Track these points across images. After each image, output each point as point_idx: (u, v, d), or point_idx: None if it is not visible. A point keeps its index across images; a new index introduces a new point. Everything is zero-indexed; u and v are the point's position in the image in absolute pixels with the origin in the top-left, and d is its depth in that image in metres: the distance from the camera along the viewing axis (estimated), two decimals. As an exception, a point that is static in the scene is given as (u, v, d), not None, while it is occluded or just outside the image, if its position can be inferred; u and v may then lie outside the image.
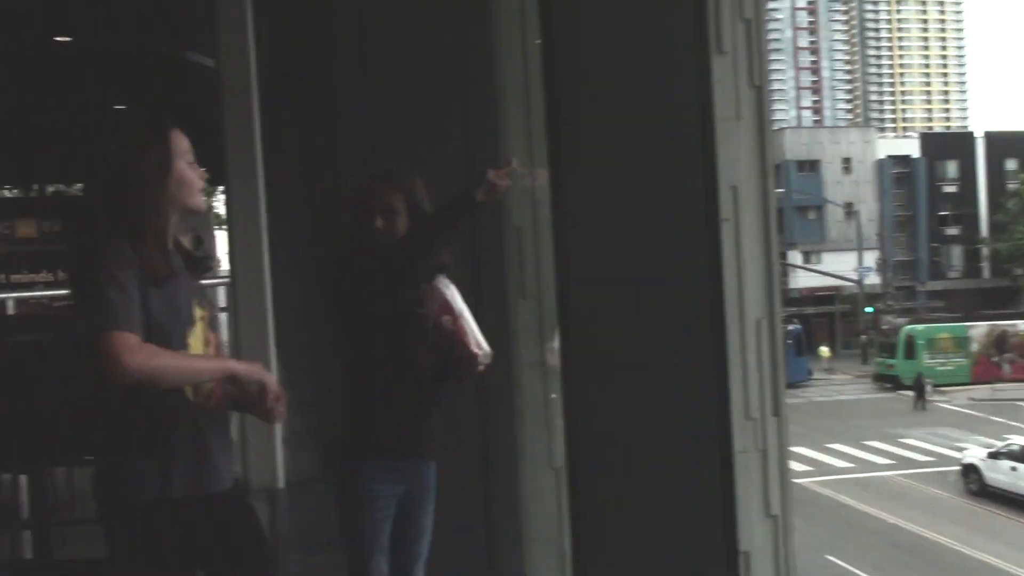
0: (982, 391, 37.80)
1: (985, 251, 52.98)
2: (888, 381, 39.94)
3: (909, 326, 42.15)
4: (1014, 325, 43.49)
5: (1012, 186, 51.58)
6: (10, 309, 7.85)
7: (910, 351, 40.68)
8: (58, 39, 11.74)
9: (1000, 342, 42.95)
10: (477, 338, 2.78)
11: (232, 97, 6.48)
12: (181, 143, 2.37)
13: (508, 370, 3.62)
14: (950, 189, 53.66)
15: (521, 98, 3.70)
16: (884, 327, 42.91)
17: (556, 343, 3.58)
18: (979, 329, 43.06)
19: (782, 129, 59.50)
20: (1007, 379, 40.30)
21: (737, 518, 1.73)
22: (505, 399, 3.65)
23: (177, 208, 2.35)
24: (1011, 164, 53.09)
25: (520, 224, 3.68)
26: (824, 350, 45.51)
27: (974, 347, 42.58)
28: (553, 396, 3.58)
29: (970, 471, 24.97)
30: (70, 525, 5.03)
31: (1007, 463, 24.02)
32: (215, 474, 2.27)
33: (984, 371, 41.68)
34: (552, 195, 1.92)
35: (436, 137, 3.52)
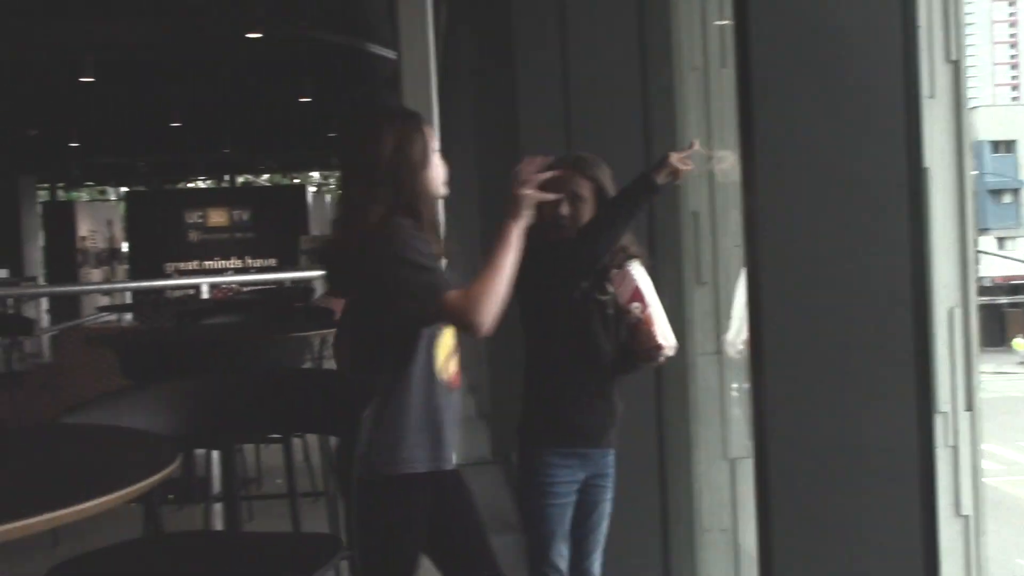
0: None
1: None
2: None
3: None
4: None
5: None
6: (204, 293, 8.30)
7: None
8: (249, 35, 12.34)
9: None
10: (664, 329, 2.74)
11: (411, 88, 6.66)
12: (432, 135, 2.50)
13: (683, 359, 3.57)
14: None
15: (700, 80, 3.63)
16: None
17: (731, 334, 3.50)
18: None
19: (976, 107, 56.23)
20: None
21: (939, 520, 1.66)
22: (680, 388, 3.60)
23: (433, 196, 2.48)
24: None
25: (697, 209, 3.62)
26: (1020, 342, 42.90)
27: None
28: (734, 386, 3.50)
29: None
30: (258, 499, 5.32)
31: None
32: (451, 451, 2.46)
33: None
34: (743, 179, 1.85)
35: (614, 123, 3.50)
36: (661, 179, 2.59)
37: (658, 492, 3.44)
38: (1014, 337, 45.45)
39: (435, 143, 2.50)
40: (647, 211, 3.41)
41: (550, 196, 2.46)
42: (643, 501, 3.38)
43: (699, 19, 3.68)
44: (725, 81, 3.63)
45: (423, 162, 2.43)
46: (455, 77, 7.82)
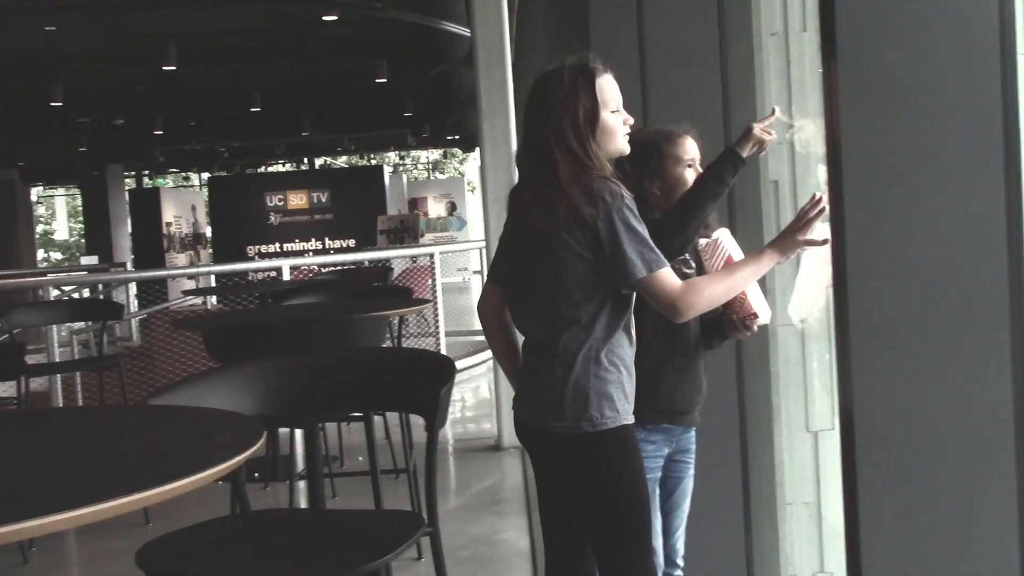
0: None
1: None
2: None
3: None
4: None
5: None
6: (286, 275, 8.46)
7: None
8: (325, 18, 12.47)
9: None
10: (758, 297, 2.70)
11: (486, 65, 6.65)
12: (608, 88, 2.45)
13: (765, 331, 3.51)
14: None
15: (780, 45, 3.55)
16: None
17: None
18: None
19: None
20: None
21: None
22: (762, 360, 3.55)
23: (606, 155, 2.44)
24: None
25: (778, 178, 3.55)
26: None
27: None
28: (824, 357, 3.44)
29: None
30: (340, 477, 5.43)
31: None
32: None
33: None
34: (827, 146, 1.80)
35: (693, 95, 3.44)
36: (746, 152, 2.55)
37: (740, 466, 3.40)
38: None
39: (614, 96, 2.45)
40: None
41: (818, 242, 2.42)
42: (724, 475, 3.34)
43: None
44: (806, 46, 3.54)
45: (591, 122, 2.39)
46: (530, 53, 7.79)
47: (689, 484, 2.85)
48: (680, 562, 2.86)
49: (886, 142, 1.70)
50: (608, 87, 2.45)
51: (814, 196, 2.43)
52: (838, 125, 1.68)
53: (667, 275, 2.31)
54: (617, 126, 2.44)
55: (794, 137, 3.49)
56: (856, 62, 1.72)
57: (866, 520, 1.64)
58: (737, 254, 2.70)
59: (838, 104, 1.69)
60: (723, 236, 2.73)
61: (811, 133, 3.24)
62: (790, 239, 2.42)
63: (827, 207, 2.21)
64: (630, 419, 2.40)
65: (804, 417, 3.52)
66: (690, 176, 2.74)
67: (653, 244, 2.32)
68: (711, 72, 3.42)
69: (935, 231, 1.69)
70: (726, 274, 2.44)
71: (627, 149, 2.48)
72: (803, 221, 2.40)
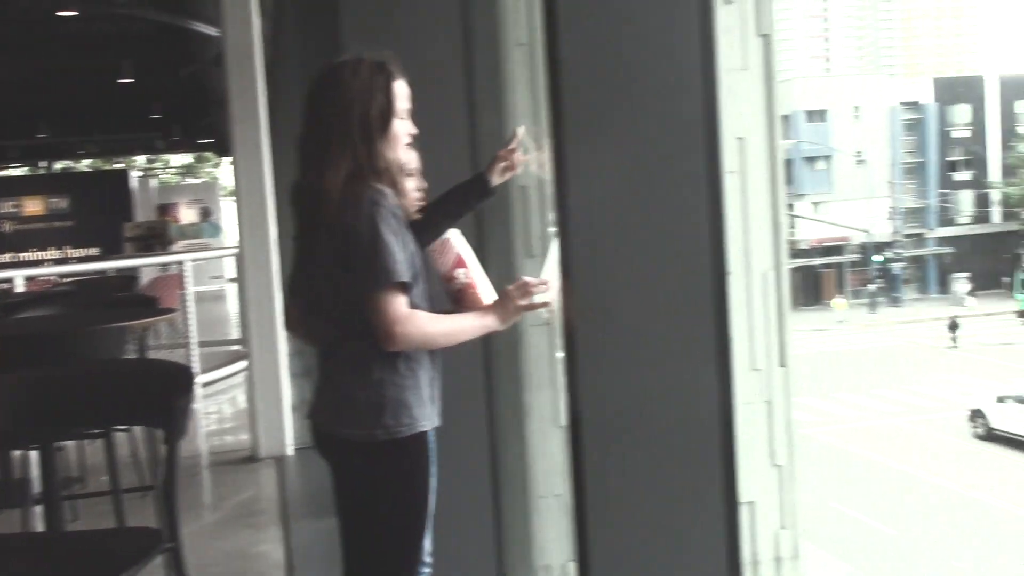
0: (989, 336, 37.83)
1: (995, 196, 52.58)
2: None
3: None
4: None
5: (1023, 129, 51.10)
6: (18, 287, 7.89)
7: None
8: (61, 13, 11.71)
9: None
10: (489, 292, 2.78)
11: (237, 67, 6.48)
12: (401, 96, 2.41)
13: (513, 329, 3.63)
14: (961, 134, 53.16)
15: (526, 55, 3.68)
16: None
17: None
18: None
19: (791, 79, 58.94)
20: None
21: (738, 469, 1.76)
22: (511, 357, 3.67)
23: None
24: (1022, 106, 52.53)
25: (526, 183, 3.67)
26: (840, 302, 45.53)
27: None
28: (558, 355, 3.59)
29: (977, 415, 25.15)
30: (83, 498, 5.13)
31: (1016, 406, 24.18)
32: None
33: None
34: (553, 152, 1.92)
35: (440, 100, 3.49)
36: (496, 179, 2.61)
37: (488, 461, 3.50)
38: (830, 296, 48.26)
39: (404, 104, 2.41)
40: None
41: (538, 305, 2.44)
42: (473, 471, 3.43)
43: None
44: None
45: (381, 122, 2.34)
46: (284, 57, 7.65)
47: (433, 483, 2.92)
48: (428, 559, 2.92)
49: (601, 146, 1.84)
50: (402, 93, 2.42)
51: (532, 282, 2.47)
52: (560, 129, 1.79)
53: (394, 297, 2.26)
54: (402, 134, 2.41)
55: (542, 147, 3.65)
56: (575, 75, 1.85)
57: (592, 506, 1.76)
58: (468, 255, 2.76)
59: (560, 113, 1.80)
60: (453, 236, 2.77)
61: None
62: (509, 305, 2.45)
63: (549, 289, 2.35)
64: (426, 425, 2.40)
65: (554, 412, 3.68)
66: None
67: (398, 261, 2.26)
68: (457, 81, 3.50)
69: (648, 232, 1.84)
70: (451, 322, 2.42)
71: (407, 160, 2.45)
72: (523, 290, 2.44)
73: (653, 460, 1.81)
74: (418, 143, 2.66)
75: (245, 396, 8.49)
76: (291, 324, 2.63)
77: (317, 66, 2.56)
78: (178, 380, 2.25)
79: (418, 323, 2.29)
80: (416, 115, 2.49)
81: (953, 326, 37.41)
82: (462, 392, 2.98)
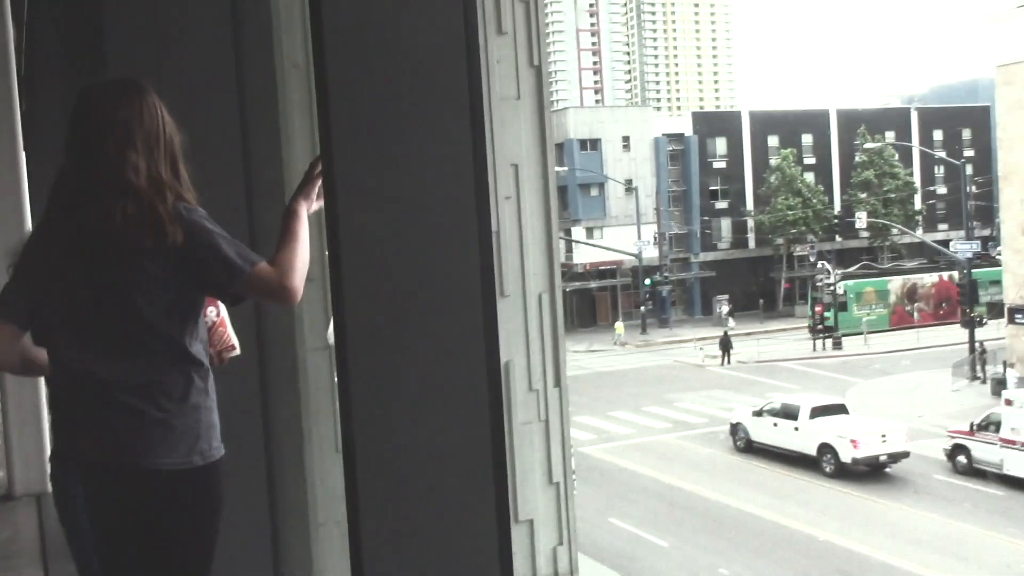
0: (748, 354, 40.50)
1: (750, 223, 56.47)
2: (823, 333, 43.75)
3: (842, 281, 46.51)
4: (921, 278, 49.77)
5: (774, 161, 55.18)
6: None
7: (843, 304, 45.29)
8: None
9: (911, 293, 49.16)
10: (231, 331, 2.76)
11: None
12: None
13: (293, 355, 3.59)
14: (719, 165, 56.78)
15: (303, 77, 3.65)
16: (818, 283, 46.42)
17: (331, 328, 3.58)
18: (895, 282, 48.84)
19: (565, 108, 61.11)
20: (917, 325, 45.97)
21: (516, 487, 1.83)
22: (291, 383, 3.62)
23: None
24: (773, 140, 56.77)
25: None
26: (620, 326, 47.36)
27: (892, 298, 48.23)
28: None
29: (737, 429, 26.82)
30: None
31: (769, 420, 25.95)
32: None
33: (900, 319, 47.55)
34: (324, 179, 1.94)
35: (210, 121, 3.42)
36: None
37: (266, 488, 3.44)
38: (605, 318, 50.28)
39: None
40: (247, 205, 3.39)
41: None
42: (250, 498, 3.35)
43: (299, 15, 3.69)
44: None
45: (178, 147, 2.35)
46: (42, 72, 7.21)
47: None
48: None
49: (371, 178, 1.86)
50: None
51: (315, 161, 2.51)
52: (331, 163, 1.81)
53: (261, 267, 2.26)
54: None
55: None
56: (344, 103, 1.87)
57: (366, 531, 1.77)
58: None
59: (330, 148, 1.82)
60: None
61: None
62: (315, 183, 2.43)
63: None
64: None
65: (334, 438, 3.65)
66: None
67: (242, 244, 2.30)
68: (229, 101, 3.43)
69: (417, 258, 1.88)
70: (289, 240, 2.36)
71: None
72: (314, 172, 2.45)
73: (427, 482, 1.84)
74: (191, 162, 2.60)
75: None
76: (2, 352, 2.48)
77: (83, 84, 2.45)
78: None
79: (282, 265, 2.27)
80: (187, 133, 2.45)
81: (725, 344, 39.74)
82: (239, 418, 2.92)
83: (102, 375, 2.30)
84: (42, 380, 6.08)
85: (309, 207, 2.46)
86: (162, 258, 2.22)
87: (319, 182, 2.43)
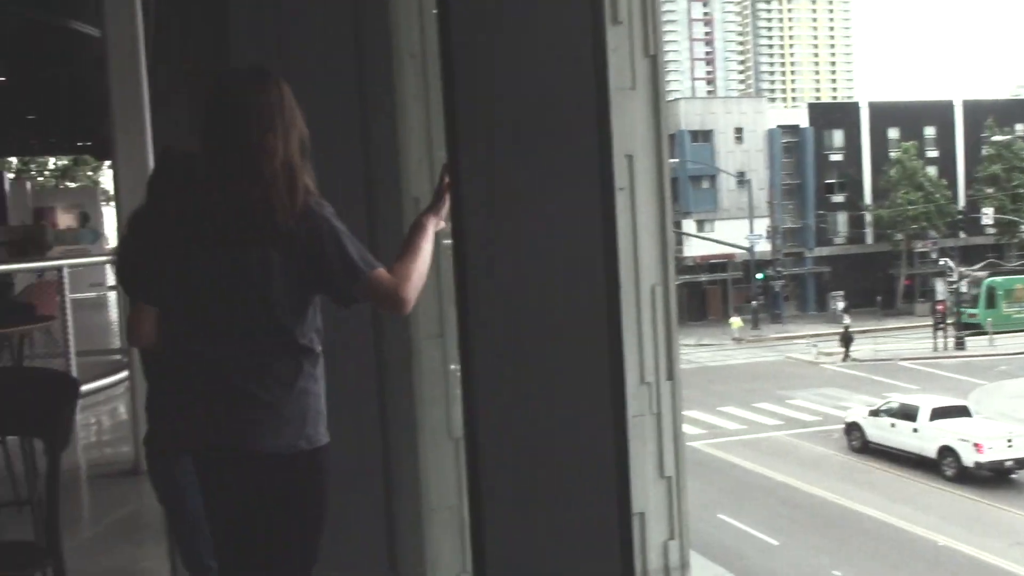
0: (864, 352, 39.36)
1: (868, 217, 54.82)
2: (970, 329, 42.31)
3: (990, 279, 45.46)
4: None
5: (894, 154, 53.42)
6: None
7: (991, 301, 44.46)
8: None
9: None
10: None
11: (119, 68, 6.29)
12: None
13: (407, 342, 3.62)
14: (836, 157, 55.27)
15: (419, 66, 3.68)
16: (966, 279, 45.09)
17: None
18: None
19: (677, 99, 60.35)
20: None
21: (631, 480, 1.80)
22: (404, 371, 3.66)
23: None
24: (893, 133, 54.94)
25: (419, 195, 3.67)
26: (736, 321, 46.47)
27: (1042, 296, 46.48)
28: (452, 368, 3.60)
29: (853, 429, 26.09)
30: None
31: (887, 420, 25.17)
32: None
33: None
34: (449, 168, 1.93)
35: (331, 110, 3.47)
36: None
37: (381, 474, 3.48)
38: (715, 312, 49.55)
39: None
40: (366, 195, 3.44)
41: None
42: (366, 483, 3.40)
43: (416, 7, 3.72)
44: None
45: (307, 140, 2.38)
46: (168, 62, 7.47)
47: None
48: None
49: (498, 166, 1.86)
50: None
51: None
52: (457, 150, 1.81)
53: (380, 273, 2.30)
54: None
55: (433, 157, 3.66)
56: (471, 90, 1.86)
57: (489, 517, 1.77)
58: None
59: (456, 133, 1.82)
60: None
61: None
62: (444, 197, 2.41)
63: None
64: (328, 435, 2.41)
65: (447, 425, 3.68)
66: None
67: (366, 250, 2.32)
68: (349, 90, 3.47)
69: (542, 250, 1.86)
70: (411, 252, 2.39)
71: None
72: (443, 186, 2.42)
73: (548, 472, 1.83)
74: (312, 154, 2.64)
75: (125, 407, 8.24)
76: (141, 335, 2.54)
77: (209, 72, 2.51)
78: (61, 389, 2.17)
79: (401, 275, 2.31)
80: (309, 125, 2.48)
81: (846, 339, 38.79)
82: (355, 404, 2.96)
83: (213, 356, 2.36)
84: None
85: (437, 224, 2.45)
86: (286, 248, 2.26)
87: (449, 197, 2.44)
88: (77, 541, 4.82)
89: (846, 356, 38.49)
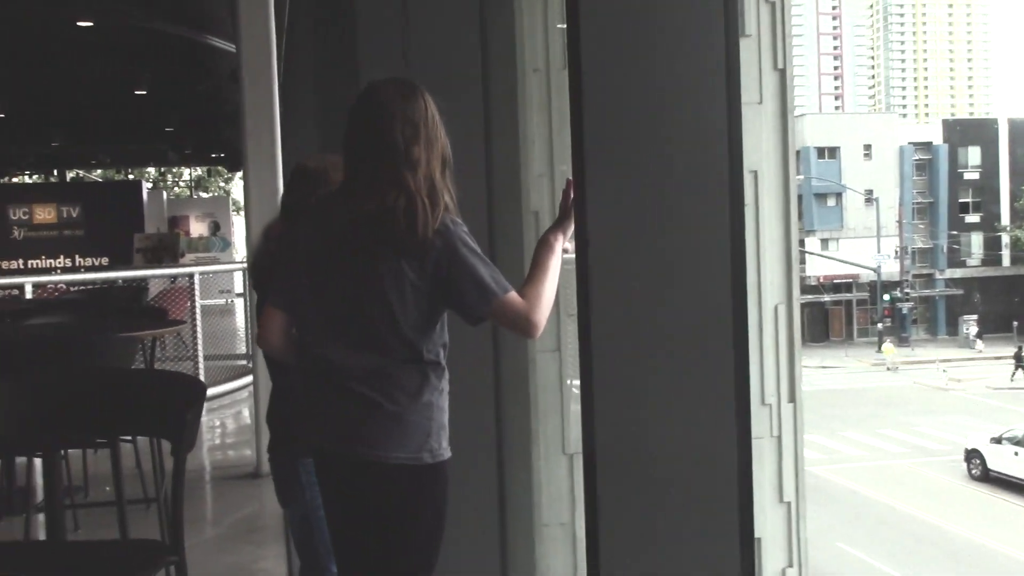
0: (999, 379, 37.67)
1: (1005, 239, 52.51)
2: None
3: None
4: None
5: (1035, 173, 51.13)
6: (28, 293, 7.90)
7: None
8: (81, 23, 11.78)
9: None
10: None
11: (252, 82, 6.50)
12: None
13: (524, 355, 3.61)
14: (971, 176, 53.16)
15: (542, 81, 3.68)
16: None
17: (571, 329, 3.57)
18: None
19: (803, 115, 59.08)
20: None
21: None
22: (520, 385, 3.65)
23: None
24: (1034, 150, 52.61)
25: (538, 208, 3.67)
26: (889, 347, 44.59)
27: None
28: (569, 382, 3.57)
29: (973, 456, 25.08)
30: (85, 507, 5.10)
31: (1010, 448, 24.10)
32: None
33: None
34: (575, 186, 1.90)
35: (456, 124, 3.48)
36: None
37: (497, 488, 3.47)
38: (838, 333, 48.17)
39: None
40: (488, 209, 3.45)
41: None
42: (481, 497, 3.40)
43: (541, 22, 3.73)
44: (565, 82, 3.70)
45: (449, 155, 2.38)
46: (298, 75, 7.68)
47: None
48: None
49: (624, 178, 1.82)
50: None
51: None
52: (583, 160, 1.78)
53: (513, 296, 2.27)
54: None
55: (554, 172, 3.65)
56: (599, 101, 1.84)
57: (605, 537, 1.73)
58: None
59: (583, 144, 1.79)
60: None
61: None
62: (570, 216, 2.38)
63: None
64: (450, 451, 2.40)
65: (561, 440, 3.65)
66: None
67: (498, 272, 2.29)
68: (475, 104, 3.49)
69: (668, 264, 1.82)
70: (540, 274, 2.35)
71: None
72: (569, 204, 2.38)
73: (669, 493, 1.78)
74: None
75: (248, 412, 8.48)
76: (268, 338, 2.56)
77: (334, 89, 2.54)
78: (189, 392, 2.23)
79: (531, 298, 2.28)
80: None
81: (1019, 358, 37.44)
82: (474, 417, 2.96)
83: (342, 363, 2.35)
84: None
85: (563, 242, 2.42)
86: (419, 263, 2.25)
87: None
88: (199, 540, 4.97)
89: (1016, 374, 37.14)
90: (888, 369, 42.10)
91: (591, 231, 1.81)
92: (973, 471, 24.95)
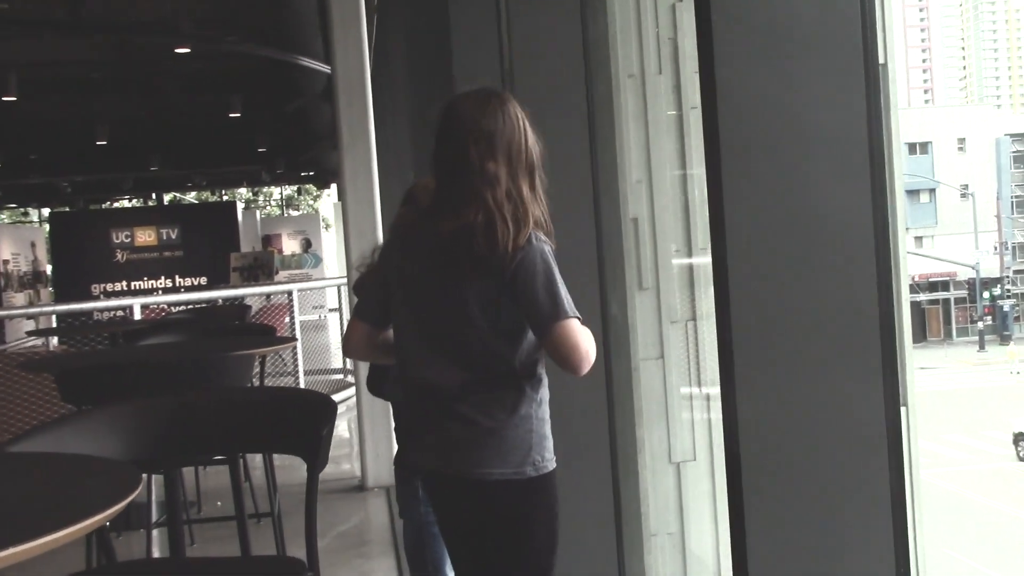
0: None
1: (1112, 231, 50.51)
2: None
3: None
4: None
5: None
6: (136, 314, 8.15)
7: None
8: (178, 50, 12.14)
9: None
10: None
11: (347, 101, 6.62)
12: None
13: (628, 364, 3.58)
14: (1073, 167, 51.28)
15: (638, 87, 3.65)
16: None
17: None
18: None
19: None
20: None
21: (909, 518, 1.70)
22: (626, 393, 3.62)
23: None
24: None
25: (637, 215, 3.64)
26: (1011, 351, 43.03)
27: None
28: (683, 390, 3.53)
29: (1021, 439, 24.31)
30: (198, 523, 5.23)
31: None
32: None
33: None
34: (708, 182, 1.87)
35: (562, 132, 3.46)
36: None
37: (612, 496, 3.45)
38: (936, 332, 46.78)
39: None
40: (594, 216, 3.44)
41: None
42: (597, 506, 3.38)
43: (635, 28, 3.71)
44: (660, 88, 3.67)
45: (538, 165, 2.34)
46: (388, 89, 7.79)
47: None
48: None
49: (761, 174, 1.79)
50: None
51: None
52: (717, 158, 1.75)
53: (575, 324, 2.22)
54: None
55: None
56: (731, 99, 1.81)
57: (753, 551, 1.69)
58: None
59: (717, 140, 1.76)
60: None
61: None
62: None
63: None
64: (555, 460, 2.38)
65: (667, 449, 3.61)
66: None
67: (569, 297, 2.24)
68: (578, 112, 3.48)
69: (810, 260, 1.78)
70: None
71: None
72: None
73: (816, 509, 1.74)
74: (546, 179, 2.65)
75: (347, 426, 8.60)
76: (350, 347, 2.55)
77: (433, 97, 2.54)
78: (321, 409, 2.27)
79: (591, 335, 2.26)
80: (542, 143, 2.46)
81: None
82: (588, 428, 2.95)
83: (437, 382, 2.36)
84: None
85: None
86: (501, 278, 2.24)
87: None
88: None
89: None
90: (1011, 372, 40.43)
91: (730, 241, 1.76)
92: (1021, 452, 24.26)
